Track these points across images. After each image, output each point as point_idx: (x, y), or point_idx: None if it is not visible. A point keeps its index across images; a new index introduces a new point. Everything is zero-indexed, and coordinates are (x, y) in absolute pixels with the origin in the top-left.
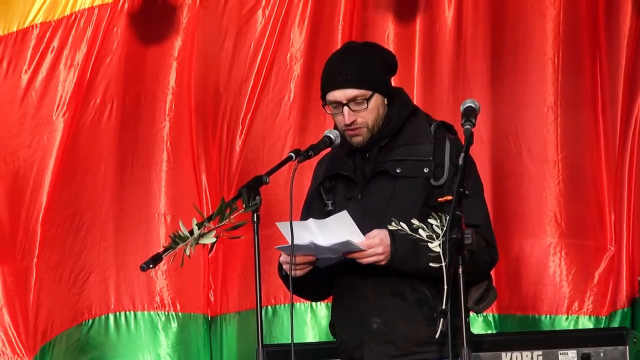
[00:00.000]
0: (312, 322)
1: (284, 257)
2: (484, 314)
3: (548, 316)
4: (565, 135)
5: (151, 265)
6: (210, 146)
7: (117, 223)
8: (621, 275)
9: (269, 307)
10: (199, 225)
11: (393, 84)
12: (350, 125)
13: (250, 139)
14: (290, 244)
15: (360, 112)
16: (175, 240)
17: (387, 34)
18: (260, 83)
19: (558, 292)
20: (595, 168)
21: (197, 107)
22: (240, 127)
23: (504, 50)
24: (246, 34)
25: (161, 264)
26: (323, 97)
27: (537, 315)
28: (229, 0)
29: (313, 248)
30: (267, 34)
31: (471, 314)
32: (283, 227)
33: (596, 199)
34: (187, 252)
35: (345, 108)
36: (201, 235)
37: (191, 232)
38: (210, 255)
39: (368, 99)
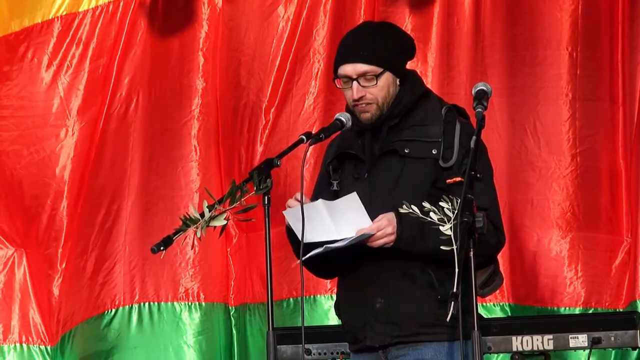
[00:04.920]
0: (334, 313)
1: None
2: (501, 303)
3: (566, 308)
4: (584, 129)
5: (162, 248)
6: (232, 140)
7: (143, 215)
8: (638, 267)
9: (291, 299)
10: (210, 208)
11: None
12: (358, 100)
13: (274, 133)
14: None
15: (369, 88)
16: (186, 222)
17: (404, 27)
18: (285, 77)
19: (575, 284)
20: (612, 161)
21: (219, 100)
22: (264, 122)
23: (522, 44)
24: (268, 28)
25: (187, 256)
26: (335, 71)
27: (555, 308)
28: None
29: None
30: (290, 27)
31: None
32: (290, 214)
33: (613, 192)
34: (198, 234)
35: (355, 83)
36: (212, 218)
37: (202, 215)
38: (219, 237)
39: (378, 76)
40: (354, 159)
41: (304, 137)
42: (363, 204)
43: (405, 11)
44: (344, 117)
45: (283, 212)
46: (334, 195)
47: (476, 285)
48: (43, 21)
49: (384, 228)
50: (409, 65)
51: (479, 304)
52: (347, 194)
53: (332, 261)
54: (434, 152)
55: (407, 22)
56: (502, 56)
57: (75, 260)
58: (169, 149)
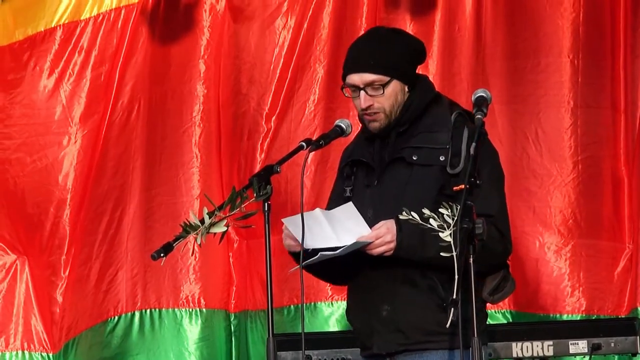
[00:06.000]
0: (334, 320)
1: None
2: (503, 310)
3: (568, 316)
4: (585, 136)
5: (162, 254)
6: (232, 147)
7: (145, 221)
8: (639, 274)
9: (292, 306)
10: (210, 214)
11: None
12: (366, 109)
13: (275, 140)
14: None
15: (376, 97)
16: (186, 229)
17: None
18: (286, 85)
19: (577, 292)
20: (614, 169)
21: (220, 108)
22: (265, 129)
23: (524, 52)
24: (269, 36)
25: (188, 262)
26: (343, 79)
27: (557, 315)
28: (252, 2)
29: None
30: (291, 35)
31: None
32: (289, 222)
33: (615, 199)
34: (199, 241)
35: (362, 92)
36: (212, 224)
37: (202, 221)
38: (219, 243)
39: (385, 85)
40: (365, 166)
41: (303, 143)
42: (372, 212)
43: (406, 18)
44: (344, 123)
45: (282, 219)
46: (347, 202)
47: (477, 292)
48: (46, 29)
49: (383, 236)
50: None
51: (487, 311)
52: (358, 201)
53: (339, 268)
54: (441, 159)
55: (408, 30)
56: (504, 64)
57: (79, 268)
58: (170, 155)
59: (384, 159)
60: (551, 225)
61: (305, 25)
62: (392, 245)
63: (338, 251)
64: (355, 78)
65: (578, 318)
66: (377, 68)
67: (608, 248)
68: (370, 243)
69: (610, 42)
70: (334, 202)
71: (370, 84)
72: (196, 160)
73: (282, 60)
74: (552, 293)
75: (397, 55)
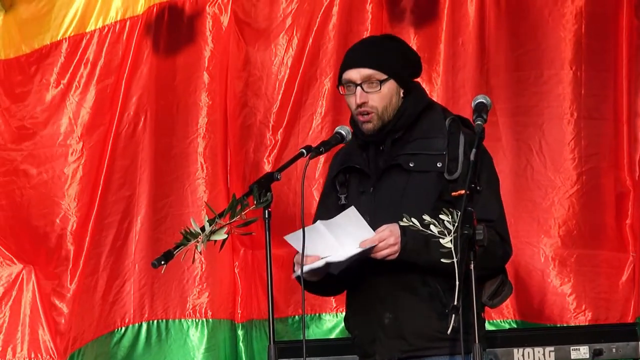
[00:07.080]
0: (339, 331)
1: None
2: (508, 320)
3: (574, 326)
4: (589, 148)
5: (163, 262)
6: (238, 159)
7: (152, 233)
8: None
9: (296, 316)
10: (210, 222)
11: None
12: (360, 106)
13: (282, 153)
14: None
15: (372, 94)
16: (187, 236)
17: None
18: (293, 98)
19: (583, 302)
20: (618, 179)
21: (226, 121)
22: (273, 141)
23: (527, 64)
24: (275, 49)
25: (194, 272)
26: (340, 78)
27: (564, 325)
28: (258, 15)
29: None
30: (296, 48)
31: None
32: (292, 238)
33: (618, 209)
34: (199, 249)
35: (358, 88)
36: (212, 232)
37: (202, 229)
38: (220, 251)
39: (382, 82)
40: (358, 173)
41: (303, 150)
42: (369, 219)
43: (410, 32)
44: (344, 130)
45: (285, 237)
46: (342, 210)
47: (479, 297)
48: (52, 42)
49: (387, 239)
50: None
51: (495, 321)
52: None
53: (335, 279)
54: (438, 165)
55: (412, 43)
56: (507, 76)
57: (85, 280)
58: (176, 166)
59: (380, 166)
60: (555, 236)
61: (311, 39)
62: (396, 248)
63: (342, 258)
64: (353, 73)
65: None
66: (375, 64)
67: (612, 258)
68: (373, 247)
69: (612, 53)
70: (327, 211)
71: (367, 79)
72: (202, 171)
73: (288, 73)
74: (558, 303)
75: (393, 57)
